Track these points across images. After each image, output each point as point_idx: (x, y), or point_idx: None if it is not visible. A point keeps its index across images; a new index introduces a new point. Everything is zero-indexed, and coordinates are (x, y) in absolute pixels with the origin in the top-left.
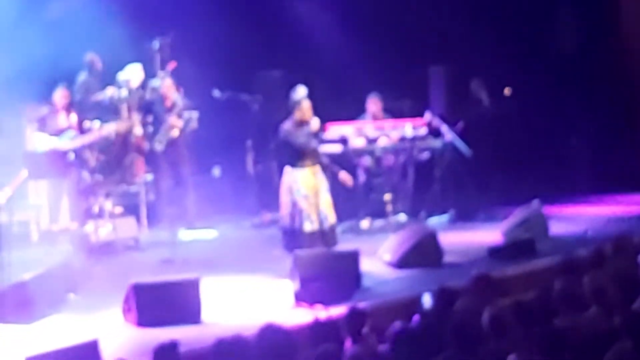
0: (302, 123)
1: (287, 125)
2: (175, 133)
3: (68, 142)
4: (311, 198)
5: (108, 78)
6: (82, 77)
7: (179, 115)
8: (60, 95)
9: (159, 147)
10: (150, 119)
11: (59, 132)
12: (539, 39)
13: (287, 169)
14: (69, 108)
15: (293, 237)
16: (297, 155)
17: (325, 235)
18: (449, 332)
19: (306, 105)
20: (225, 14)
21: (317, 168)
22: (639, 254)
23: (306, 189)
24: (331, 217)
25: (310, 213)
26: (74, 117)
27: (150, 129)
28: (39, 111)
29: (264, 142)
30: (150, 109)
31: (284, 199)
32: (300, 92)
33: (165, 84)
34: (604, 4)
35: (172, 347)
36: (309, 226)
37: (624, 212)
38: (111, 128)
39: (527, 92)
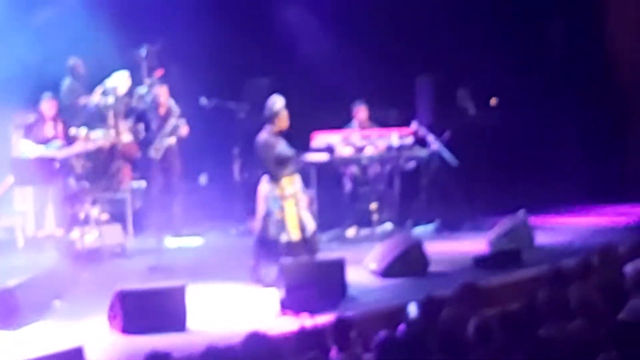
0: (280, 133)
1: (264, 136)
2: (172, 140)
3: (55, 152)
4: (289, 208)
5: (94, 84)
6: (67, 82)
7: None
8: (47, 105)
9: (155, 154)
10: (141, 126)
11: (45, 141)
12: (527, 48)
13: (265, 178)
14: (56, 118)
15: (265, 246)
16: (276, 165)
17: (307, 243)
18: (435, 341)
19: (285, 115)
20: (213, 21)
21: (296, 177)
22: (624, 265)
23: (282, 200)
24: (310, 225)
25: (288, 223)
26: (60, 127)
27: (143, 136)
28: (25, 118)
29: (250, 150)
30: (144, 116)
31: (260, 208)
32: (279, 102)
33: (160, 92)
34: (591, 14)
35: (164, 357)
36: (285, 237)
37: (609, 223)
38: (98, 140)
39: (514, 102)
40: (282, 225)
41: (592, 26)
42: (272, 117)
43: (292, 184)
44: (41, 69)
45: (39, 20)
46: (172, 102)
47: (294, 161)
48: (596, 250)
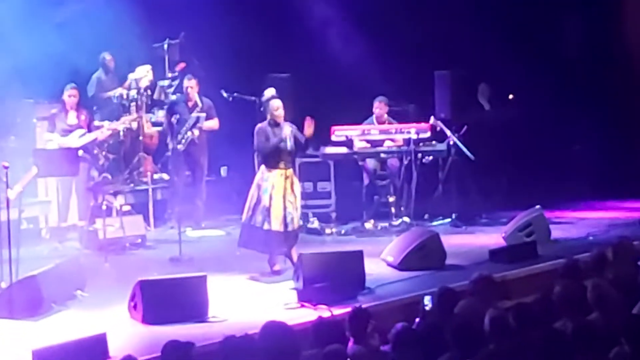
0: (276, 124)
1: (260, 125)
2: (196, 133)
3: (76, 140)
4: (276, 199)
5: (121, 78)
6: (96, 74)
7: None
8: (69, 94)
9: (180, 147)
10: (175, 118)
11: (68, 131)
12: (544, 44)
13: (262, 168)
14: (78, 107)
15: (249, 232)
16: (271, 156)
17: (287, 237)
18: (450, 333)
19: (274, 105)
20: (235, 16)
21: (290, 172)
22: (639, 259)
23: (272, 190)
24: (296, 221)
25: (273, 213)
26: (83, 117)
27: (175, 128)
28: (49, 110)
29: None
30: (174, 109)
31: (251, 194)
32: (268, 92)
33: (189, 85)
34: (609, 9)
35: (186, 347)
36: (266, 225)
37: (625, 217)
38: (117, 125)
39: (532, 97)
40: (267, 214)
41: (610, 22)
42: (264, 108)
43: (283, 177)
44: (64, 62)
45: (64, 14)
46: (196, 96)
47: (288, 155)
48: (611, 244)
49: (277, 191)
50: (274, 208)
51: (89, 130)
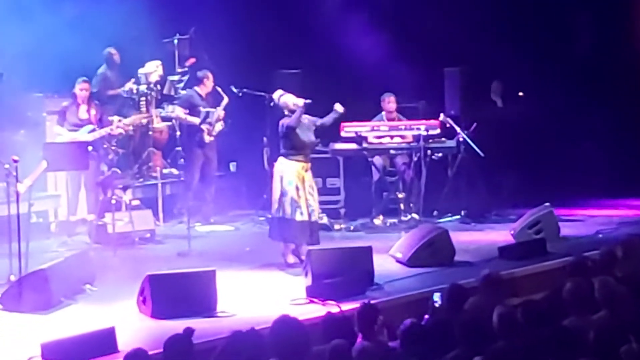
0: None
1: (289, 120)
2: (221, 126)
3: (86, 135)
4: (301, 190)
5: (127, 73)
6: (101, 70)
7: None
8: (81, 88)
9: (208, 139)
10: (204, 113)
11: (78, 126)
12: (555, 41)
13: (280, 160)
14: (89, 101)
15: (280, 225)
16: (296, 148)
17: (312, 228)
18: (459, 330)
19: (285, 100)
20: (245, 11)
21: (308, 166)
22: None
23: (296, 181)
24: (317, 214)
25: (300, 203)
26: (93, 111)
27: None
28: (60, 104)
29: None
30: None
31: (274, 187)
32: (278, 92)
33: (209, 77)
34: (619, 8)
35: (186, 335)
36: (299, 216)
37: (635, 215)
38: (127, 122)
39: (541, 95)
40: (296, 205)
41: (621, 19)
42: (275, 105)
43: (304, 170)
44: (74, 56)
45: (75, 9)
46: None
47: (311, 148)
48: (621, 242)
49: (301, 182)
50: (301, 198)
51: (99, 127)
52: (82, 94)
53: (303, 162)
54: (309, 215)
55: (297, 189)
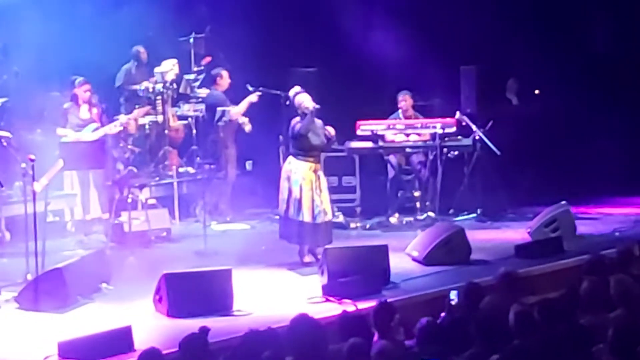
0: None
1: (299, 126)
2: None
3: (90, 135)
4: (306, 191)
5: (150, 72)
6: (127, 66)
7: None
8: (85, 90)
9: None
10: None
11: (81, 126)
12: (571, 40)
13: (289, 159)
14: (90, 101)
15: (286, 225)
16: (305, 148)
17: (316, 230)
18: (475, 328)
19: (299, 98)
20: (261, 10)
21: (318, 166)
22: None
23: (303, 182)
24: (329, 214)
25: (304, 204)
26: (95, 110)
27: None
28: (61, 102)
29: None
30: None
31: (282, 186)
32: (294, 89)
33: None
34: (637, 5)
35: (202, 334)
36: (301, 217)
37: None
38: (131, 116)
39: (558, 92)
40: (299, 206)
41: (638, 15)
42: (291, 103)
43: (312, 170)
44: (91, 56)
45: (92, 8)
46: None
47: (321, 150)
48: (638, 240)
49: (307, 183)
50: (305, 199)
51: (102, 124)
52: (85, 95)
53: (312, 163)
54: (313, 217)
55: (302, 189)
